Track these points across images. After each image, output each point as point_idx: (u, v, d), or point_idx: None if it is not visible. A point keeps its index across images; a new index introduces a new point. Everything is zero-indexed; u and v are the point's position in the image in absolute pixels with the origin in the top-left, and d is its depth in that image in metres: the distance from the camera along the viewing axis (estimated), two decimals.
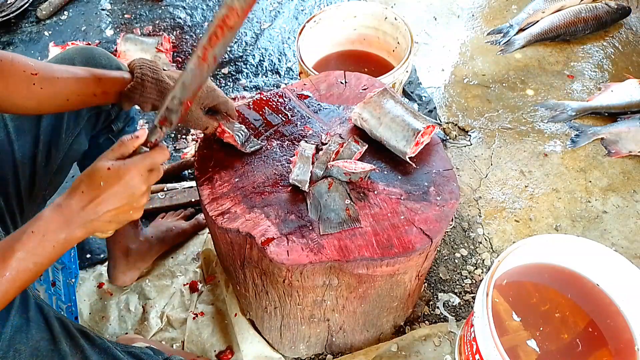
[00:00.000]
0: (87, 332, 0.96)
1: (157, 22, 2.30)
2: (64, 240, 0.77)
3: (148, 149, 0.84)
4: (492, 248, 1.56)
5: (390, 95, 1.14)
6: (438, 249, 1.54)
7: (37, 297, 0.98)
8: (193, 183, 1.71)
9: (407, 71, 1.74)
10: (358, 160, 1.09)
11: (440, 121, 1.89)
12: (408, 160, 1.08)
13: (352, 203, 1.02)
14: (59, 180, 1.14)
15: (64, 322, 0.94)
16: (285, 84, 2.00)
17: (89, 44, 2.19)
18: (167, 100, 0.84)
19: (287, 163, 1.11)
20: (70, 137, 1.11)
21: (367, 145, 1.12)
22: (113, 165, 0.79)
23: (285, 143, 1.14)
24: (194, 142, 1.86)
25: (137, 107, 1.00)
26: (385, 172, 1.09)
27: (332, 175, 1.05)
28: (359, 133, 1.14)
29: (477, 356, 1.06)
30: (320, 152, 1.08)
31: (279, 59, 2.15)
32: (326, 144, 1.12)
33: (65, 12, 2.37)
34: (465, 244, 1.57)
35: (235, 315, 1.35)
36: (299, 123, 1.18)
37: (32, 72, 0.89)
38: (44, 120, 1.04)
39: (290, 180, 1.04)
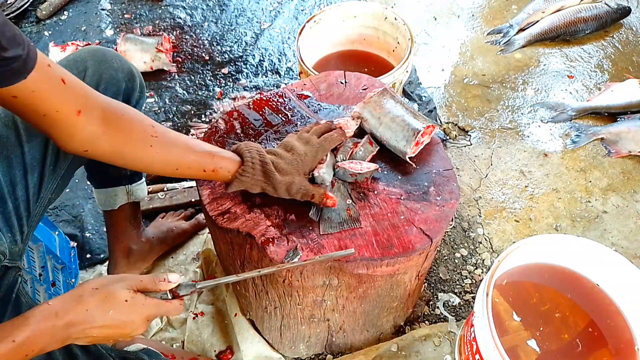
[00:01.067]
0: None
1: (157, 22, 2.30)
2: (39, 350, 0.74)
3: (169, 295, 0.82)
4: (492, 248, 1.56)
5: (390, 95, 1.14)
6: (438, 249, 1.54)
7: (32, 303, 0.98)
8: (193, 183, 1.71)
9: (407, 71, 1.74)
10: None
11: (440, 121, 1.89)
12: (408, 160, 1.08)
13: (353, 203, 1.02)
14: (65, 184, 1.14)
15: None
16: (285, 84, 2.00)
17: (89, 44, 2.19)
18: (218, 281, 0.86)
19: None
20: None
21: (379, 147, 1.12)
22: (132, 299, 0.77)
23: None
24: None
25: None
26: (385, 172, 1.10)
27: (339, 177, 1.05)
28: (358, 133, 1.14)
29: (477, 356, 1.06)
30: (338, 151, 1.08)
31: (279, 59, 2.15)
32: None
33: (65, 12, 2.37)
34: (465, 244, 1.57)
35: (235, 315, 1.35)
36: (299, 123, 1.18)
37: (152, 134, 0.88)
38: None
39: (315, 174, 1.02)
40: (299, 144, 1.03)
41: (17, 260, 0.98)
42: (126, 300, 0.76)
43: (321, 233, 0.99)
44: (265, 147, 1.12)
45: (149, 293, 0.80)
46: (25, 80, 0.71)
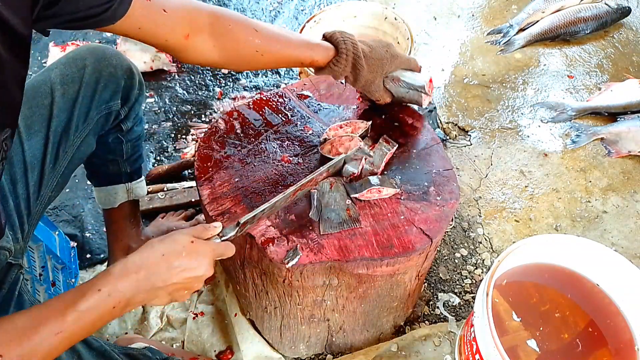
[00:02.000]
0: None
1: None
2: (126, 302, 0.75)
3: (218, 239, 0.87)
4: (492, 248, 1.56)
5: None
6: (438, 249, 1.54)
7: (34, 301, 0.98)
8: (193, 183, 1.71)
9: None
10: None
11: (441, 121, 1.89)
12: (427, 90, 1.12)
13: (352, 203, 1.02)
14: (65, 182, 1.14)
15: None
16: (285, 84, 2.00)
17: (88, 43, 2.19)
18: (256, 211, 0.90)
19: (287, 163, 1.11)
20: (79, 139, 1.10)
21: (397, 145, 1.12)
22: (196, 241, 0.81)
23: (285, 143, 1.14)
24: (194, 142, 1.86)
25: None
26: (386, 172, 1.09)
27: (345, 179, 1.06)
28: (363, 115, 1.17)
29: (477, 356, 1.06)
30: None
31: None
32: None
33: None
34: (465, 244, 1.57)
35: (235, 315, 1.35)
36: (299, 123, 1.18)
37: (257, 39, 0.96)
38: (54, 121, 1.04)
39: (344, 172, 1.06)
40: (382, 50, 1.10)
41: (19, 258, 0.98)
42: (192, 242, 0.80)
43: (321, 233, 0.99)
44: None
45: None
46: (127, 17, 0.79)
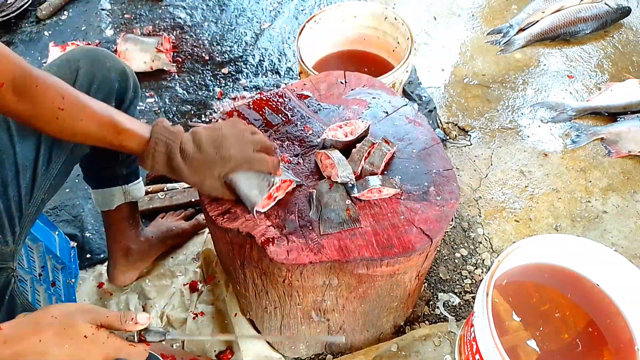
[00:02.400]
0: None
1: (157, 22, 2.30)
2: None
3: (134, 337, 0.75)
4: (492, 248, 1.56)
5: None
6: (438, 249, 1.54)
7: (27, 304, 0.97)
8: None
9: (407, 71, 1.74)
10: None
11: (441, 121, 1.89)
12: (255, 214, 0.99)
13: (352, 203, 1.02)
14: (59, 183, 1.13)
15: None
16: (285, 84, 2.00)
17: (89, 44, 2.19)
18: (191, 338, 0.80)
19: (287, 163, 1.11)
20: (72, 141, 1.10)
21: (397, 145, 1.11)
22: (92, 336, 0.69)
23: (286, 143, 1.14)
24: None
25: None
26: (385, 172, 1.09)
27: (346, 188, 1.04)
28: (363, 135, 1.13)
29: (477, 356, 1.05)
30: (354, 151, 1.08)
31: (279, 59, 2.15)
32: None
33: (65, 12, 2.37)
34: (465, 244, 1.57)
35: (235, 315, 1.35)
36: (299, 123, 1.18)
37: (59, 106, 0.88)
38: None
39: (339, 180, 1.02)
40: (233, 139, 0.95)
41: (9, 261, 0.97)
42: (85, 336, 0.69)
43: (321, 233, 0.99)
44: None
45: (113, 331, 0.73)
46: None
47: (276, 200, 1.03)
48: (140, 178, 1.39)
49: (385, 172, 1.09)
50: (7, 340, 0.66)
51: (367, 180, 1.03)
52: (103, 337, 0.71)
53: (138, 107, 1.30)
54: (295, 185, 1.04)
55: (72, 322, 0.69)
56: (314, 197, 1.03)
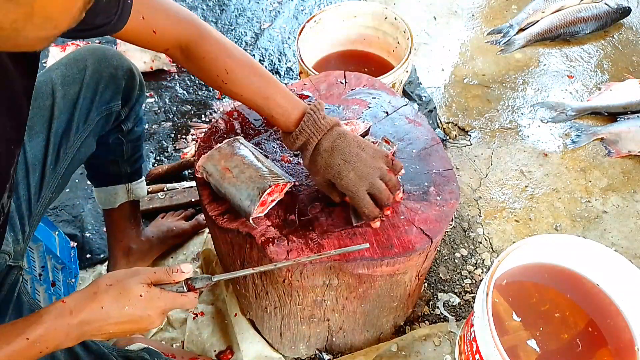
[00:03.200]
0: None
1: None
2: (53, 347, 0.74)
3: (184, 287, 0.81)
4: (492, 248, 1.56)
5: (241, 145, 1.05)
6: (438, 249, 1.54)
7: (32, 302, 0.98)
8: (193, 183, 1.71)
9: (407, 71, 1.74)
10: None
11: (441, 121, 1.89)
12: (251, 222, 0.97)
13: None
14: (65, 183, 1.14)
15: None
16: (286, 84, 2.00)
17: (89, 44, 2.19)
18: (233, 274, 0.86)
19: (287, 163, 1.11)
20: (79, 140, 1.10)
21: (397, 144, 1.11)
22: (147, 293, 0.76)
23: None
24: (194, 142, 1.86)
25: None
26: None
27: None
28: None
29: (477, 356, 1.05)
30: None
31: (279, 59, 2.15)
32: None
33: None
34: (465, 244, 1.57)
35: (235, 315, 1.35)
36: None
37: (223, 80, 0.95)
38: (54, 122, 1.04)
39: None
40: (362, 165, 0.95)
41: (19, 260, 0.98)
42: (141, 295, 0.76)
43: (354, 225, 0.99)
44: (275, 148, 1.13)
45: (164, 286, 0.80)
46: (124, 31, 0.84)
47: (275, 202, 1.03)
48: (143, 177, 1.39)
49: None
50: (72, 311, 0.73)
51: None
52: (156, 293, 0.77)
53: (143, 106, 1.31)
54: (291, 185, 1.04)
55: (126, 286, 0.75)
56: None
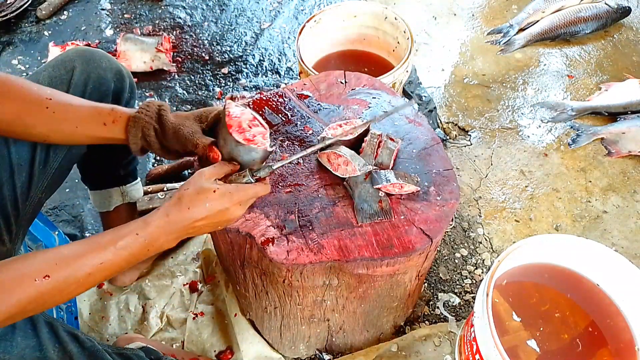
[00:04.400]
0: (78, 335, 0.95)
1: (157, 22, 2.30)
2: (160, 246, 0.83)
3: (252, 180, 0.89)
4: (492, 248, 1.56)
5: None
6: (438, 249, 1.54)
7: None
8: None
9: (407, 71, 1.74)
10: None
11: (441, 121, 1.89)
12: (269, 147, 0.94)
13: (385, 196, 1.02)
14: (57, 182, 1.13)
15: (53, 326, 0.93)
16: (285, 84, 2.00)
17: (89, 44, 2.19)
18: (290, 159, 0.92)
19: (287, 163, 1.10)
20: None
21: (401, 141, 1.11)
22: (220, 189, 0.84)
23: (286, 143, 1.14)
24: None
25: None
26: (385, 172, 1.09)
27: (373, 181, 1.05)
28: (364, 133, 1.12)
29: (477, 356, 1.05)
30: (364, 146, 1.08)
31: (279, 59, 2.15)
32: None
33: (65, 12, 2.37)
34: (465, 244, 1.57)
35: (235, 315, 1.35)
36: (298, 123, 1.18)
37: (46, 96, 0.90)
38: None
39: (360, 172, 1.03)
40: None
41: None
42: (214, 191, 0.83)
43: (358, 224, 0.99)
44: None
45: (233, 178, 0.88)
46: None
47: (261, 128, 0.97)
48: (139, 179, 1.39)
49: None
50: (168, 214, 0.82)
51: (389, 172, 1.03)
52: (229, 187, 0.85)
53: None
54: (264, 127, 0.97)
55: (200, 186, 0.84)
56: (349, 185, 1.04)
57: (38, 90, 0.91)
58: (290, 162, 0.94)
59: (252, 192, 0.87)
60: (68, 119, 0.92)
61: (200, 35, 2.24)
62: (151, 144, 0.96)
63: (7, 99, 0.88)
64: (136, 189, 1.37)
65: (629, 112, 1.84)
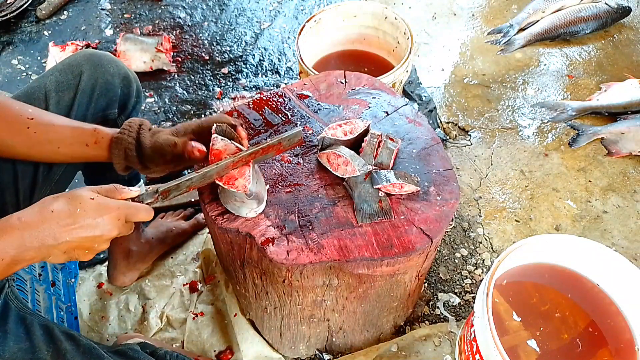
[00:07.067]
0: (74, 335, 0.94)
1: (157, 22, 2.30)
2: (11, 259, 0.71)
3: (151, 199, 0.85)
4: (492, 248, 1.56)
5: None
6: (438, 249, 1.54)
7: (22, 308, 0.97)
8: None
9: (407, 71, 1.74)
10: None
11: (441, 121, 1.89)
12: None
13: (385, 196, 1.02)
14: (61, 189, 1.13)
15: (48, 328, 0.92)
16: (285, 84, 2.00)
17: (89, 44, 2.19)
18: (181, 180, 0.86)
19: (287, 163, 1.10)
20: None
21: (401, 141, 1.11)
22: (97, 198, 0.76)
23: None
24: None
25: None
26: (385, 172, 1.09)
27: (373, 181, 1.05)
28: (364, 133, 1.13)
29: (477, 356, 1.05)
30: (364, 145, 1.08)
31: (279, 58, 2.15)
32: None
33: (65, 12, 2.37)
34: (465, 244, 1.57)
35: (235, 315, 1.35)
36: (298, 123, 1.18)
37: (28, 116, 0.89)
38: None
39: (360, 172, 1.03)
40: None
41: None
42: (92, 199, 0.75)
43: (358, 224, 0.99)
44: None
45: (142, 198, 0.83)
46: None
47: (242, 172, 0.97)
48: (142, 181, 1.39)
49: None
50: (21, 218, 0.72)
51: (388, 172, 1.03)
52: (104, 200, 0.77)
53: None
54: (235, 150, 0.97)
55: (75, 192, 0.76)
56: (348, 185, 1.03)
57: (20, 109, 0.89)
58: (176, 185, 0.88)
59: (132, 209, 0.79)
60: (50, 139, 0.91)
61: (200, 35, 2.24)
62: (134, 164, 0.96)
63: None
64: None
65: (629, 112, 1.84)
